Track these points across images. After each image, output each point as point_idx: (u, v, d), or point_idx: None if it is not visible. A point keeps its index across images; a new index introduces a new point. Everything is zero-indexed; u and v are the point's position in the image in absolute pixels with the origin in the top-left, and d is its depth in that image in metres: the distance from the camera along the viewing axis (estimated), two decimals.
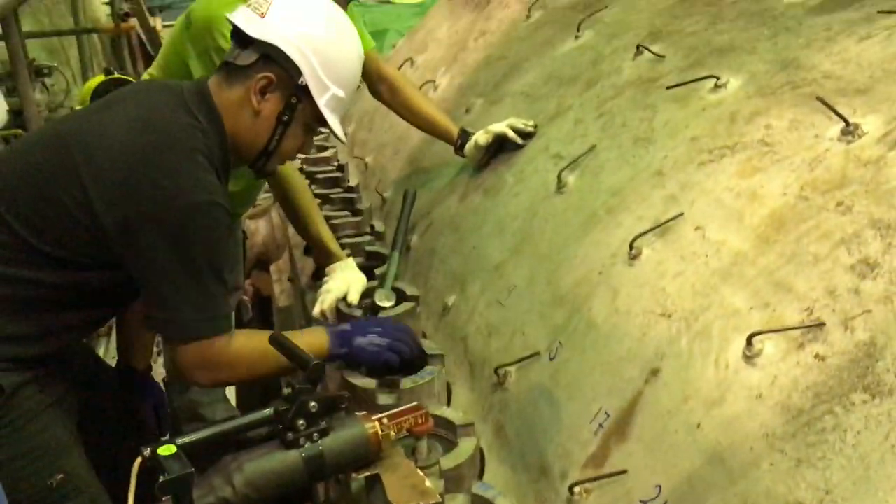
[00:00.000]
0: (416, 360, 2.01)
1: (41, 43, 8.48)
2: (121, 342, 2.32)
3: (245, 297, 4.66)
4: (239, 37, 1.90)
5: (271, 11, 1.87)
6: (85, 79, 7.72)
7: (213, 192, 1.75)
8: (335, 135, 1.98)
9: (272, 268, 4.27)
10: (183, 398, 3.04)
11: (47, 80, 6.99)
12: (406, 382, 1.94)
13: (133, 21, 7.90)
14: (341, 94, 1.93)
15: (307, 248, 2.85)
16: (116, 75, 6.71)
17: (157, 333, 2.00)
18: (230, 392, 3.73)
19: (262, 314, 4.54)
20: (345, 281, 2.35)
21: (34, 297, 1.78)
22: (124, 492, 1.44)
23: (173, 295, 1.74)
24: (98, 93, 6.27)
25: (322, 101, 1.90)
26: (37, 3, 8.60)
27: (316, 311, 2.33)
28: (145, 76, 2.73)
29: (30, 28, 8.18)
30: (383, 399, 1.90)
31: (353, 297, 2.30)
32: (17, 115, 5.25)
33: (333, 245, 2.46)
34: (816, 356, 1.33)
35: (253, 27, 1.87)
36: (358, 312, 2.26)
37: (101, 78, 6.78)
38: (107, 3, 8.18)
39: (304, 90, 1.87)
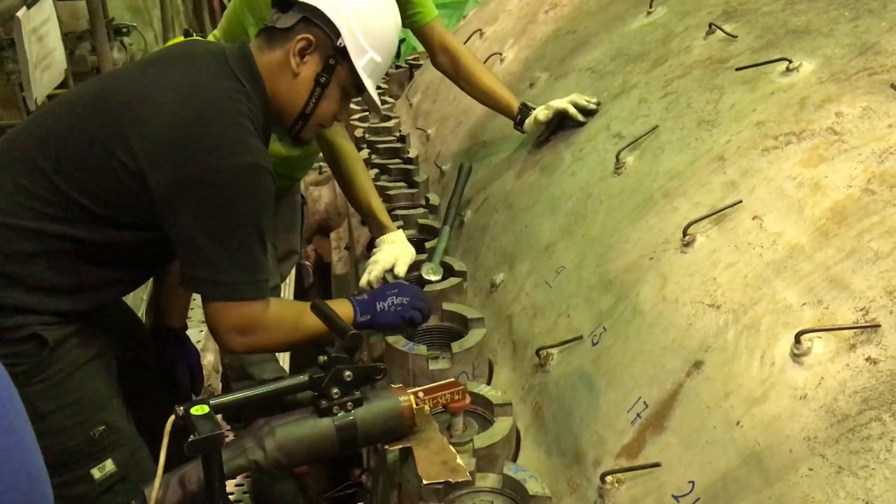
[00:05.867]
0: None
1: (125, 3, 8.66)
2: (157, 301, 2.35)
3: (307, 263, 4.71)
4: (279, 1, 1.93)
5: None
6: (165, 39, 7.87)
7: (259, 156, 1.76)
8: (371, 100, 2.01)
9: (332, 235, 4.29)
10: (233, 356, 3.09)
11: (126, 39, 7.11)
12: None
13: None
14: (379, 58, 1.95)
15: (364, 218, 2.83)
16: (195, 37, 6.80)
17: (196, 292, 2.00)
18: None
19: (322, 280, 4.56)
20: (393, 253, 2.33)
21: (74, 253, 1.79)
22: (158, 449, 1.46)
23: (219, 256, 1.75)
24: None
25: (360, 64, 1.92)
26: None
27: (363, 281, 2.33)
28: (210, 37, 2.74)
29: None
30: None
31: (400, 270, 2.29)
32: (96, 72, 5.37)
33: (384, 216, 2.45)
34: (868, 359, 1.26)
35: None
36: None
37: (179, 39, 6.87)
38: None
39: (343, 52, 1.89)
